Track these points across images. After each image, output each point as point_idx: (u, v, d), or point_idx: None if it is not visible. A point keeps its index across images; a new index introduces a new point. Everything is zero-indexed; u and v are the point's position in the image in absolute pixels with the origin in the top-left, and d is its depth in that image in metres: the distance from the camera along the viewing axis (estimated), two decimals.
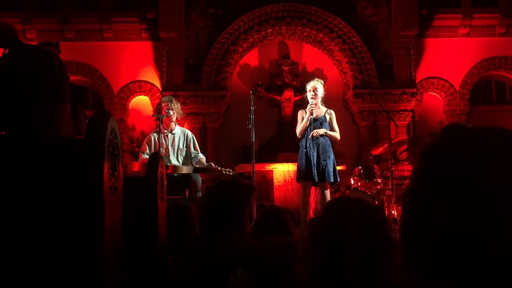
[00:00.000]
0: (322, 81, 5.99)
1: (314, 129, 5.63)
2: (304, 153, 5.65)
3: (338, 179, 5.80)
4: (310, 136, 5.62)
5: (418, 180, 0.86)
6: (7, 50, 1.55)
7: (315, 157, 5.56)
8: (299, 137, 5.82)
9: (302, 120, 5.75)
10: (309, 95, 5.74)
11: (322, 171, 5.55)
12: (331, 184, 5.85)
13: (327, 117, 5.76)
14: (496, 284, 0.77)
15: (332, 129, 5.77)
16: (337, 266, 1.32)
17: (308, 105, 5.70)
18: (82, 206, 1.44)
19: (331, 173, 5.58)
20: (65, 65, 1.65)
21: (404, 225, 0.87)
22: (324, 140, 5.64)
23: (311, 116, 5.64)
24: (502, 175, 0.77)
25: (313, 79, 5.94)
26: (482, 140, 0.83)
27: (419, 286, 0.83)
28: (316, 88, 5.74)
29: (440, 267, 0.80)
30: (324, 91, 5.87)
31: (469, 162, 0.79)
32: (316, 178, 5.55)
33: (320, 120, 5.70)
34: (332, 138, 5.73)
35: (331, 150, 5.68)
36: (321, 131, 5.61)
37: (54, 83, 1.57)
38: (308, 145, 5.62)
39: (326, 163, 5.58)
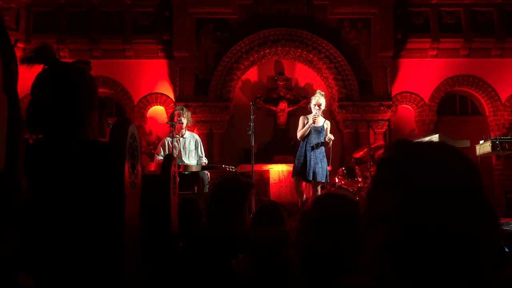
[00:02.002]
0: (323, 93, 6.01)
1: (314, 136, 5.72)
2: (303, 155, 5.70)
3: (328, 180, 5.87)
4: (319, 142, 5.71)
5: (377, 184, 0.89)
6: (46, 66, 1.57)
7: (311, 160, 5.62)
8: (300, 140, 5.86)
9: (303, 125, 5.80)
10: (314, 107, 5.79)
11: (316, 173, 5.61)
12: (322, 183, 5.89)
13: (325, 126, 5.85)
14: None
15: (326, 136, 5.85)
16: (323, 251, 1.32)
17: (312, 114, 5.75)
18: (106, 199, 1.44)
19: (324, 175, 5.69)
20: (94, 80, 1.67)
21: (367, 224, 0.89)
22: (321, 148, 5.74)
23: (312, 125, 5.70)
24: (439, 177, 0.82)
25: (318, 93, 5.95)
26: (426, 152, 0.88)
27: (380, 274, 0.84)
28: (320, 103, 5.80)
29: (396, 258, 0.81)
30: (325, 104, 5.92)
31: (416, 169, 0.84)
32: (311, 178, 5.63)
33: (319, 129, 5.77)
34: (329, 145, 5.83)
35: (325, 155, 5.77)
36: (332, 137, 5.72)
37: (85, 95, 1.58)
38: (307, 149, 5.68)
39: (320, 166, 5.67)
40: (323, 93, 6.00)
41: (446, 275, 0.78)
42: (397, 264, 0.80)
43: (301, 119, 5.94)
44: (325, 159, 5.75)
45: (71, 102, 1.54)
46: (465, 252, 0.78)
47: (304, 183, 6.05)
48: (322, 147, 5.76)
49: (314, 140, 5.70)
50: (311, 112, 5.81)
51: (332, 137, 5.71)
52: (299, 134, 5.85)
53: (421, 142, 0.92)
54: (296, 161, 5.83)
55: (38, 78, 1.56)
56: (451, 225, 0.78)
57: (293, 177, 5.97)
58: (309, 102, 6.04)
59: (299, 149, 5.83)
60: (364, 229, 0.89)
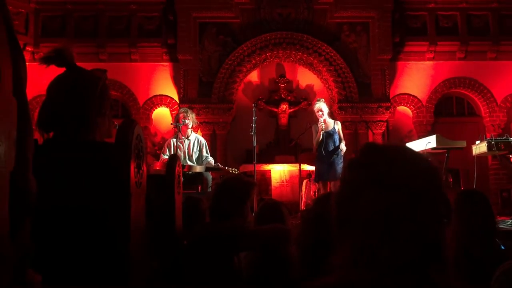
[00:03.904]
0: (323, 99, 6.11)
1: (327, 140, 5.82)
2: (321, 160, 5.83)
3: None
4: (335, 147, 5.83)
5: (349, 185, 0.94)
6: (65, 69, 1.60)
7: (330, 162, 5.74)
8: (316, 147, 5.96)
9: (316, 133, 5.86)
10: (318, 114, 5.86)
11: (333, 173, 5.71)
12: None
13: (336, 128, 5.90)
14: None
15: (340, 138, 5.94)
16: (323, 246, 1.32)
17: (319, 122, 5.84)
18: (113, 198, 1.44)
19: (338, 173, 5.77)
20: (108, 88, 1.71)
21: (335, 220, 0.94)
22: (336, 150, 5.81)
23: (322, 131, 5.77)
24: (408, 178, 0.88)
25: (317, 101, 6.05)
26: (395, 156, 0.93)
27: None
28: (321, 108, 5.88)
29: (363, 252, 0.86)
30: (328, 107, 5.97)
31: (379, 170, 0.89)
32: (328, 178, 5.77)
33: (331, 133, 5.83)
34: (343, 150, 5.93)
35: (342, 156, 5.87)
36: (343, 148, 5.86)
37: (97, 101, 1.61)
38: (324, 153, 5.77)
39: (336, 167, 5.76)
40: (322, 99, 6.08)
41: (415, 266, 0.83)
42: (373, 258, 0.83)
43: (313, 128, 6.05)
44: (342, 159, 5.86)
45: (83, 106, 1.58)
46: (434, 243, 0.84)
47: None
48: (338, 149, 5.86)
49: (329, 143, 5.78)
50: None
51: (344, 148, 5.85)
52: (314, 143, 5.96)
53: (388, 146, 0.97)
54: (316, 167, 5.96)
55: (57, 80, 1.60)
56: (420, 218, 0.84)
57: (316, 181, 6.07)
58: (309, 103, 6.12)
59: (317, 155, 5.92)
60: (336, 228, 0.92)
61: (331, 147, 5.79)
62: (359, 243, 0.86)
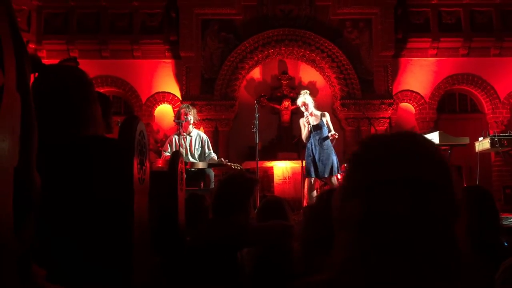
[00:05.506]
0: (307, 91, 5.92)
1: (315, 134, 5.59)
2: (311, 154, 5.63)
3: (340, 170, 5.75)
4: (324, 136, 5.59)
5: (343, 181, 0.88)
6: (37, 74, 1.59)
7: (318, 157, 5.55)
8: (306, 142, 5.77)
9: (304, 127, 5.72)
10: (302, 109, 5.71)
11: (324, 168, 5.54)
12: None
13: (324, 120, 5.72)
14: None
15: (329, 129, 5.71)
16: (326, 243, 1.32)
17: (304, 117, 5.67)
18: (116, 195, 1.44)
19: (336, 168, 5.58)
20: (85, 73, 1.69)
21: (334, 219, 0.88)
22: (326, 143, 5.62)
23: (310, 125, 5.61)
24: (400, 171, 0.80)
25: (300, 94, 5.86)
26: (391, 147, 0.85)
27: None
28: (304, 102, 5.68)
29: (363, 248, 0.80)
30: (312, 98, 5.80)
31: (380, 166, 0.82)
32: (320, 174, 5.57)
33: (320, 125, 5.66)
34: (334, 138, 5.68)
35: (332, 149, 5.66)
36: (335, 134, 5.60)
37: (78, 90, 1.60)
38: (313, 148, 5.60)
39: (328, 161, 5.57)
40: (306, 91, 5.91)
41: (413, 272, 0.75)
42: (367, 263, 0.78)
43: (300, 121, 5.87)
44: (334, 152, 5.65)
45: (67, 99, 1.56)
46: (441, 248, 0.76)
47: (307, 180, 6.02)
48: (329, 141, 5.66)
49: (317, 138, 5.63)
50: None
51: (336, 135, 5.64)
52: (303, 137, 5.80)
53: (389, 136, 0.90)
54: (306, 161, 5.76)
55: (35, 87, 1.59)
56: (423, 220, 0.76)
57: (306, 177, 5.91)
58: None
59: (306, 149, 5.77)
60: (335, 227, 0.87)
61: (320, 142, 5.59)
62: (352, 245, 0.80)
